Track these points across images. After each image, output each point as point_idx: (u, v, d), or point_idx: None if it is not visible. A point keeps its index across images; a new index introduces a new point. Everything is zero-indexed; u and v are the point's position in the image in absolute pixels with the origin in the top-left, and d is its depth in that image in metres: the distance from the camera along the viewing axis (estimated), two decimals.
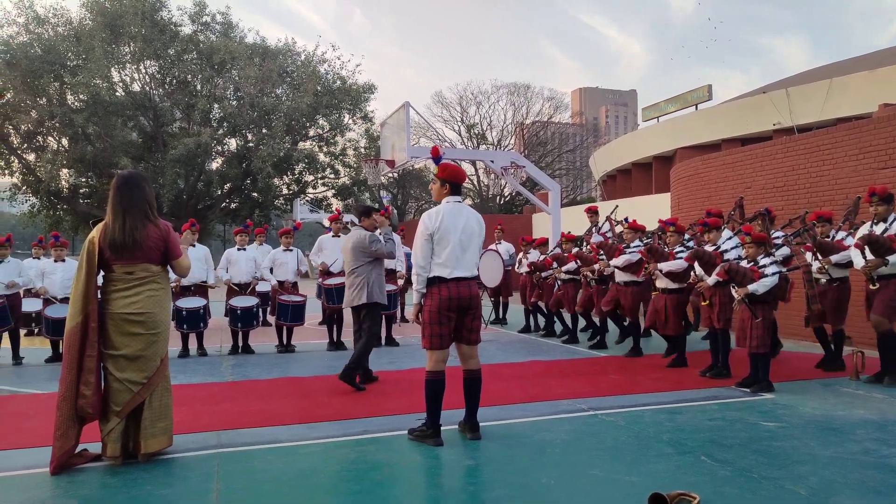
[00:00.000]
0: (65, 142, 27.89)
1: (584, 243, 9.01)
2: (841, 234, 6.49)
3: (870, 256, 5.75)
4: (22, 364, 7.53)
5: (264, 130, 28.84)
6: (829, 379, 6.19)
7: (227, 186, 30.21)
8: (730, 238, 6.41)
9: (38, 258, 8.36)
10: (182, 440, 4.12)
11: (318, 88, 29.01)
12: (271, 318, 9.10)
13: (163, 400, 3.84)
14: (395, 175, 34.79)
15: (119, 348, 3.74)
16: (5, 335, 7.52)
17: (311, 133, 31.60)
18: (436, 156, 4.26)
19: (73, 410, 3.67)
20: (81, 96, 26.63)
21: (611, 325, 8.51)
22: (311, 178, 32.06)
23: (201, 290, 8.01)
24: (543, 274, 9.38)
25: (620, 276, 7.70)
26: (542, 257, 9.63)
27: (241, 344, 8.14)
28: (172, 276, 7.69)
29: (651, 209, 15.65)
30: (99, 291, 3.85)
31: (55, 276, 7.79)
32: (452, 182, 4.22)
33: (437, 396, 4.12)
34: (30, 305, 7.93)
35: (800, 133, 12.52)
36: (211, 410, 5.08)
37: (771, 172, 9.92)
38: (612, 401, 5.32)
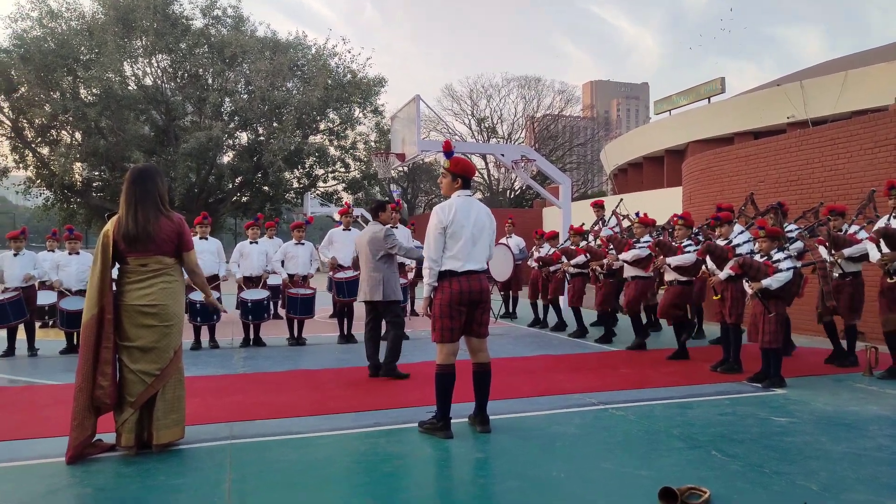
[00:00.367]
0: (78, 135, 28.11)
1: (594, 237, 8.97)
2: (854, 228, 6.42)
3: (885, 249, 5.69)
4: (37, 355, 7.62)
5: (275, 124, 28.91)
6: (842, 374, 6.15)
7: (238, 180, 30.33)
8: (742, 232, 6.37)
9: (53, 251, 8.44)
10: (195, 431, 4.17)
11: (329, 82, 29.02)
12: (283, 312, 9.15)
13: (176, 392, 3.88)
14: (406, 169, 34.74)
15: (133, 340, 3.79)
16: (21, 327, 7.62)
17: (322, 127, 31.65)
18: (448, 149, 4.26)
19: (89, 401, 3.72)
20: (94, 90, 26.82)
21: (625, 320, 8.48)
22: (322, 171, 32.13)
23: (213, 283, 8.06)
24: (552, 268, 9.37)
25: (629, 271, 7.68)
26: (550, 251, 9.61)
27: (252, 336, 8.19)
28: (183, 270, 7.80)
29: (662, 203, 15.55)
30: (114, 284, 3.90)
31: (70, 269, 7.87)
32: (464, 176, 4.23)
33: (447, 389, 4.14)
34: (45, 298, 8.02)
35: (814, 126, 12.38)
36: (223, 402, 5.13)
37: (784, 166, 9.83)
38: (622, 395, 5.32)
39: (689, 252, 6.68)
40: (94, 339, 3.73)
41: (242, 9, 32.18)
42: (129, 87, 27.76)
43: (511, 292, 11.36)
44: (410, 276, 9.75)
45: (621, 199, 10.27)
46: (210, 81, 29.03)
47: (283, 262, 8.45)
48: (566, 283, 8.98)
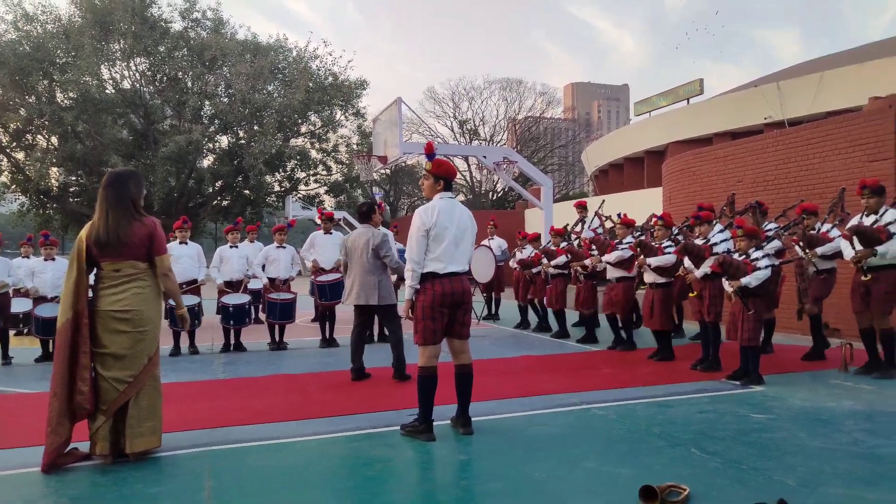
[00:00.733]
0: (54, 140, 27.70)
1: (574, 237, 9.01)
2: (827, 227, 6.54)
3: (858, 247, 5.78)
4: (12, 364, 7.48)
5: (256, 127, 28.73)
6: (819, 371, 6.24)
7: (218, 184, 30.11)
8: (721, 231, 6.44)
9: (28, 257, 8.29)
10: (173, 438, 4.11)
11: (310, 85, 28.92)
12: (263, 316, 9.06)
13: (150, 400, 3.81)
14: (388, 171, 34.72)
15: (106, 346, 3.72)
16: None
17: (303, 130, 31.54)
18: (430, 151, 4.26)
19: (63, 406, 3.65)
20: (71, 94, 26.47)
21: (603, 320, 8.53)
22: (304, 174, 32.01)
23: (194, 288, 7.98)
24: (534, 270, 9.40)
25: (612, 273, 7.72)
26: (532, 253, 9.64)
27: (233, 342, 8.11)
28: None
29: (643, 204, 15.67)
30: (91, 289, 3.84)
31: (45, 275, 7.74)
32: (446, 178, 4.23)
33: (429, 392, 4.13)
34: (19, 305, 7.86)
35: (790, 127, 12.57)
36: (202, 408, 5.07)
37: (762, 166, 9.97)
38: (603, 395, 5.34)
39: (669, 252, 6.73)
40: (69, 343, 3.66)
41: (222, 11, 31.99)
42: (107, 91, 27.45)
43: (493, 294, 11.38)
44: (394, 278, 9.72)
45: (603, 200, 10.34)
46: (190, 85, 28.79)
47: (263, 266, 8.37)
48: (547, 284, 9.01)
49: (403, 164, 32.96)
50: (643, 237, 7.50)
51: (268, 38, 32.88)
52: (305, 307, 9.72)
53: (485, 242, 10.96)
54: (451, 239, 4.09)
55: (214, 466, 3.69)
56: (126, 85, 28.84)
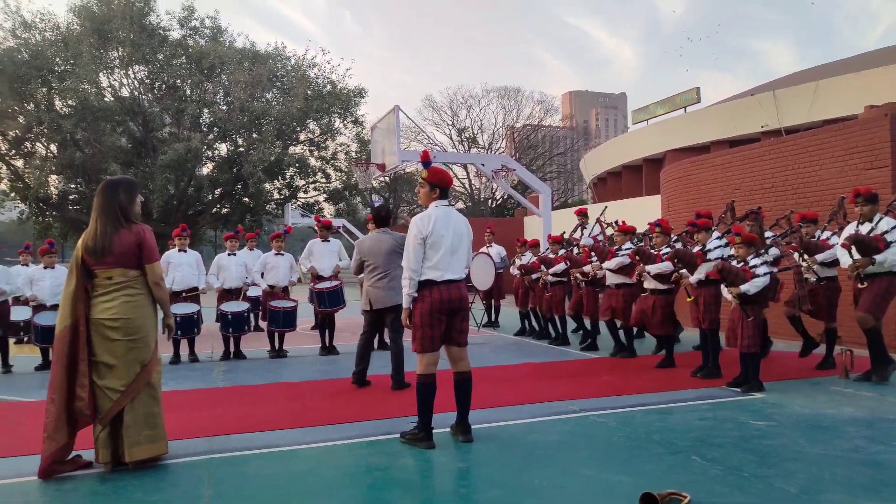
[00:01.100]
0: (53, 148, 27.72)
1: (573, 245, 9.03)
2: (826, 234, 6.57)
3: (857, 256, 5.81)
4: (12, 372, 7.47)
5: (255, 135, 28.78)
6: (819, 378, 6.24)
7: (217, 191, 30.12)
8: (718, 238, 6.46)
9: (27, 265, 8.28)
10: (173, 446, 4.09)
11: (309, 93, 29.00)
12: (263, 324, 9.06)
13: (147, 408, 3.78)
14: (387, 179, 34.79)
15: (99, 355, 3.72)
16: None
17: (302, 137, 31.59)
18: (426, 159, 4.27)
19: (61, 412, 3.65)
20: (70, 102, 26.51)
21: (603, 327, 8.53)
22: (303, 182, 32.05)
23: (193, 295, 7.97)
24: (533, 276, 9.41)
25: (612, 279, 7.73)
26: (532, 259, 9.65)
27: (232, 349, 8.10)
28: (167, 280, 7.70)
29: (642, 211, 15.71)
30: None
31: (44, 283, 7.72)
32: (441, 186, 4.24)
33: (428, 399, 4.13)
34: (19, 314, 7.85)
35: (787, 135, 12.63)
36: (202, 416, 5.06)
37: (759, 174, 10.00)
38: (603, 402, 5.34)
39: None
40: (68, 350, 3.67)
41: (221, 20, 32.09)
42: (106, 99, 27.49)
43: (493, 301, 11.38)
44: None
45: (605, 207, 10.36)
46: (188, 92, 28.86)
47: (262, 274, 8.38)
48: (546, 291, 9.02)
49: (402, 172, 32.99)
50: (642, 244, 7.53)
51: (266, 46, 33.04)
52: (305, 315, 9.71)
53: (483, 249, 10.97)
54: (448, 247, 4.11)
55: (214, 474, 3.68)
56: (125, 93, 28.91)
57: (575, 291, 8.66)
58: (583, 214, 9.65)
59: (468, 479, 3.62)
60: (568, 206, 34.15)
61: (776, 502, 3.03)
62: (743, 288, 5.62)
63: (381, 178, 29.46)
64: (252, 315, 8.93)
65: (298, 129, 30.60)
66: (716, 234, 6.74)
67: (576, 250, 8.80)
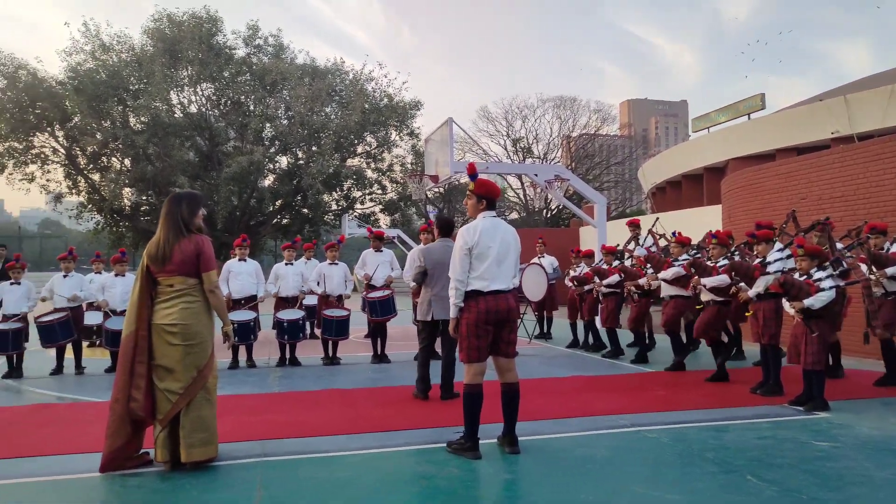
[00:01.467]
0: (127, 162, 29.26)
1: (627, 256, 8.87)
2: None
3: None
4: (84, 374, 7.90)
5: (314, 148, 29.57)
6: (891, 398, 5.90)
7: (278, 203, 31.02)
8: (779, 250, 6.21)
9: (99, 272, 8.77)
10: (229, 449, 4.25)
11: (366, 106, 29.59)
12: (318, 331, 9.26)
13: (201, 412, 3.94)
14: (441, 190, 35.05)
15: (159, 358, 3.92)
16: (69, 346, 7.91)
17: (360, 150, 32.23)
18: (472, 172, 4.31)
19: (123, 412, 3.87)
20: (143, 118, 27.94)
21: (663, 341, 8.33)
22: (359, 193, 32.63)
23: (251, 303, 8.25)
24: (586, 287, 9.28)
25: (667, 290, 7.56)
26: (584, 270, 9.53)
27: (288, 356, 8.32)
28: (223, 289, 8.01)
29: (702, 222, 15.28)
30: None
31: (115, 290, 8.14)
32: (488, 197, 4.27)
33: (475, 409, 4.14)
34: (91, 318, 8.33)
35: (859, 141, 12.05)
36: (257, 420, 5.22)
37: (828, 182, 9.57)
38: (655, 417, 5.21)
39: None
40: (131, 354, 3.88)
41: (283, 37, 33.18)
42: (176, 115, 28.85)
43: (545, 312, 11.27)
44: None
45: (657, 218, 10.14)
46: (252, 108, 29.94)
47: (318, 283, 8.59)
48: (599, 303, 8.88)
49: (457, 183, 33.20)
50: (699, 256, 7.33)
51: (325, 61, 33.94)
52: (359, 323, 9.88)
53: (535, 260, 10.89)
54: (494, 257, 4.12)
55: (266, 477, 3.80)
56: (193, 109, 30.25)
57: (631, 305, 8.50)
58: (635, 226, 9.47)
59: (512, 491, 3.61)
60: (626, 216, 33.50)
61: None
62: (807, 302, 5.39)
63: (436, 189, 29.70)
64: (307, 323, 9.15)
65: (356, 141, 31.23)
66: (777, 245, 6.49)
67: (629, 262, 8.64)
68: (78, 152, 29.05)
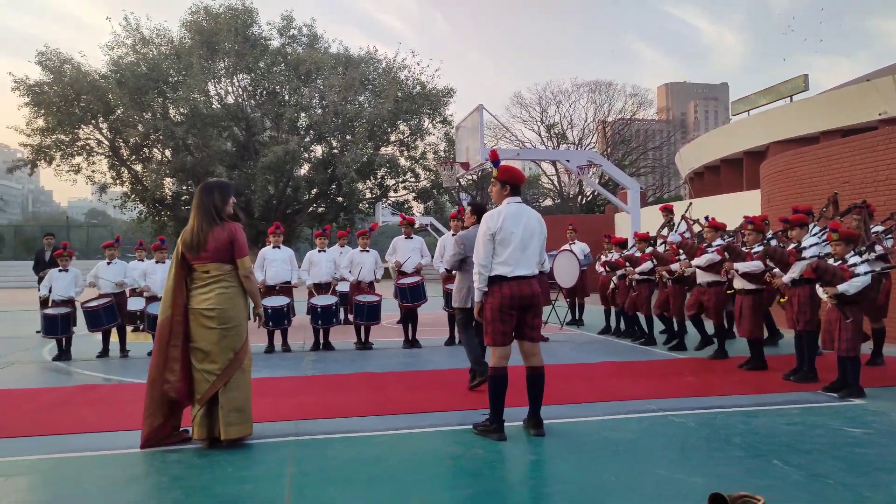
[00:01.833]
0: (168, 153, 30.04)
1: (661, 242, 8.77)
2: None
3: None
4: (128, 357, 8.23)
5: (348, 137, 29.84)
6: None
7: (313, 191, 31.45)
8: (814, 235, 6.08)
9: (142, 260, 9.10)
10: (263, 428, 4.41)
11: (399, 94, 29.69)
12: (351, 317, 9.43)
13: (239, 391, 4.10)
14: (474, 177, 34.99)
15: (197, 341, 4.08)
16: (113, 330, 8.25)
17: (393, 138, 32.39)
18: (494, 159, 4.35)
19: (158, 394, 4.06)
20: (182, 110, 28.61)
21: (691, 327, 8.24)
22: (393, 181, 32.83)
23: (286, 289, 8.46)
24: (618, 273, 9.22)
25: (703, 277, 7.47)
26: (616, 256, 9.46)
27: (322, 341, 8.51)
28: (259, 277, 8.22)
29: (740, 207, 14.95)
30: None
31: (156, 277, 8.44)
32: (512, 183, 4.30)
33: (500, 392, 4.20)
34: (134, 304, 8.66)
35: None
36: (291, 402, 5.39)
37: (871, 165, 9.26)
38: (683, 402, 5.19)
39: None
40: (166, 338, 4.06)
41: (316, 27, 33.40)
42: (213, 106, 29.45)
43: (577, 299, 11.23)
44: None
45: (690, 204, 9.99)
46: (287, 98, 30.34)
47: (350, 270, 8.74)
48: (631, 289, 8.81)
49: (489, 170, 33.14)
50: (733, 241, 7.21)
51: (358, 50, 34.12)
52: (391, 309, 10.02)
53: (566, 247, 10.85)
54: (518, 243, 4.15)
55: (297, 455, 3.94)
56: (230, 100, 30.82)
57: (661, 289, 8.42)
58: (668, 211, 9.34)
59: (536, 472, 3.67)
60: (663, 202, 32.93)
61: None
62: (841, 288, 5.27)
63: (469, 177, 29.68)
64: (341, 309, 9.32)
65: (389, 130, 31.39)
66: (815, 229, 6.35)
67: (662, 248, 8.55)
68: (121, 144, 29.93)
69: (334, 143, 30.86)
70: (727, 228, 7.91)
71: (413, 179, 33.10)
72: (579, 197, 40.94)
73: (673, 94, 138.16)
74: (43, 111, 28.23)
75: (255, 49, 29.43)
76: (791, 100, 26.89)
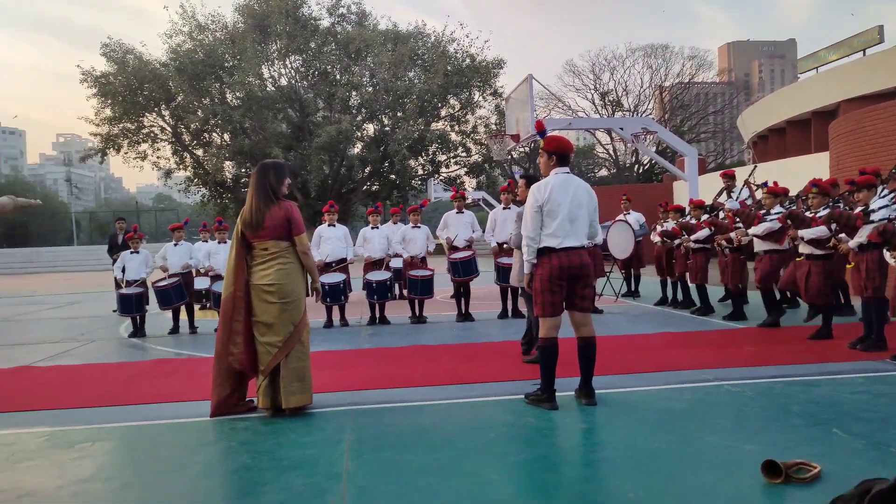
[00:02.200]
0: (226, 137, 31.00)
1: (717, 210, 8.51)
2: None
3: None
4: (197, 333, 8.67)
5: (399, 114, 29.99)
6: None
7: (367, 170, 31.88)
8: (883, 197, 5.78)
9: (206, 241, 9.50)
10: (323, 398, 4.62)
11: (448, 68, 29.54)
12: (406, 292, 9.61)
13: (299, 363, 4.29)
14: (527, 149, 34.57)
15: (259, 315, 4.29)
16: (182, 308, 8.70)
17: (443, 113, 32.34)
18: (540, 129, 4.33)
19: (224, 367, 4.30)
20: (238, 94, 29.38)
21: (753, 296, 8.01)
22: (444, 157, 32.88)
23: (342, 266, 8.69)
24: (675, 242, 9.02)
25: (760, 246, 7.24)
26: (673, 225, 9.25)
27: (378, 315, 8.73)
28: (315, 255, 8.48)
29: (807, 170, 14.28)
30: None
31: (219, 257, 8.80)
32: (558, 153, 4.28)
33: (550, 362, 4.25)
34: (201, 283, 9.08)
35: None
36: (349, 374, 5.59)
37: None
38: (741, 372, 5.11)
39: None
40: (230, 313, 4.29)
41: (364, 4, 33.60)
42: (268, 89, 30.10)
43: (633, 270, 11.07)
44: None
45: (755, 167, 9.62)
46: (338, 77, 30.68)
47: (402, 245, 8.88)
48: (688, 259, 8.62)
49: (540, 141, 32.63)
50: (794, 206, 6.94)
51: (407, 25, 34.03)
52: (445, 284, 10.15)
53: (621, 217, 10.67)
54: (566, 214, 4.14)
55: (355, 423, 4.12)
56: (283, 82, 31.43)
57: (720, 259, 8.20)
58: (729, 177, 9.05)
59: (587, 439, 3.71)
60: (726, 168, 31.74)
61: None
62: None
63: (521, 149, 29.35)
64: (395, 284, 9.50)
65: (439, 105, 31.35)
66: (885, 192, 6.04)
67: (721, 215, 8.30)
68: (182, 130, 31.06)
69: (386, 121, 31.07)
70: (789, 193, 7.61)
71: (464, 154, 33.04)
72: (636, 166, 39.90)
73: (735, 53, 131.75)
74: (109, 101, 29.53)
75: (306, 30, 29.81)
76: (864, 54, 25.25)
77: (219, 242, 8.95)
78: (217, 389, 4.31)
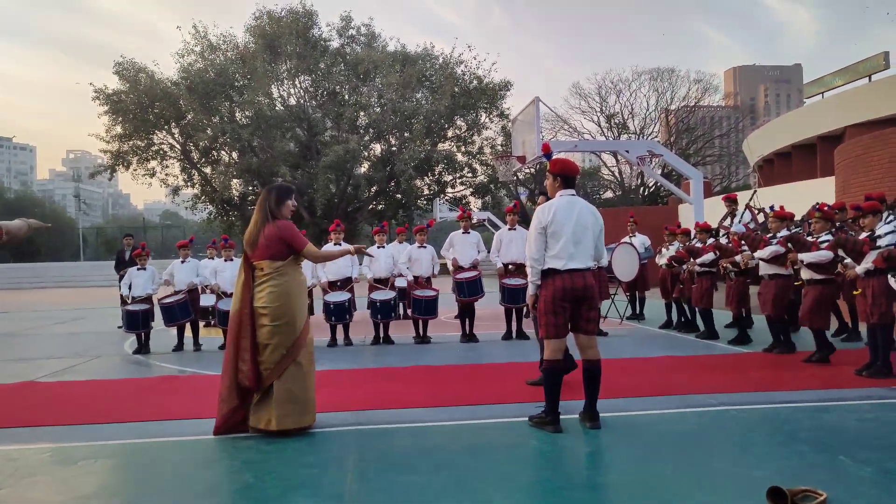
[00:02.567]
0: (234, 154, 31.29)
1: (724, 233, 8.52)
2: None
3: None
4: (201, 350, 8.67)
5: (406, 134, 30.24)
6: None
7: (373, 189, 32.06)
8: (889, 223, 5.79)
9: (212, 258, 9.55)
10: (327, 417, 4.61)
11: (456, 90, 29.83)
12: (410, 312, 9.61)
13: (294, 384, 4.26)
14: (532, 170, 34.74)
15: (258, 336, 4.31)
16: (187, 325, 8.72)
17: (450, 134, 32.59)
18: (546, 152, 4.38)
19: (231, 381, 4.31)
20: (247, 113, 29.72)
21: (757, 320, 7.98)
22: (450, 177, 33.06)
23: (347, 285, 8.70)
24: (683, 266, 9.01)
25: (765, 269, 7.23)
26: (679, 248, 9.25)
27: (382, 335, 8.72)
28: (321, 274, 8.51)
29: (813, 195, 14.29)
30: None
31: (225, 274, 8.85)
32: (563, 175, 4.31)
33: (555, 384, 4.23)
34: (206, 300, 9.10)
35: None
36: (352, 393, 5.58)
37: None
38: (747, 397, 5.07)
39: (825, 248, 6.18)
40: (236, 331, 4.31)
41: (374, 26, 33.99)
42: (277, 108, 30.43)
43: (637, 293, 11.05)
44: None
45: (754, 192, 9.65)
46: (346, 97, 31.01)
47: (407, 266, 8.90)
48: (692, 282, 8.61)
49: (546, 163, 32.78)
50: (799, 231, 6.95)
51: (416, 47, 34.41)
52: (449, 304, 10.15)
53: (626, 240, 10.68)
54: (569, 236, 4.16)
55: (359, 443, 4.11)
56: (292, 101, 31.80)
57: (726, 282, 8.19)
58: (731, 201, 9.07)
59: (591, 463, 3.69)
60: (731, 191, 31.73)
61: None
62: None
63: (526, 170, 29.49)
64: (400, 303, 9.50)
65: (446, 126, 31.61)
66: (890, 217, 6.04)
67: (724, 239, 8.31)
68: (191, 147, 31.39)
69: (392, 141, 31.33)
70: (794, 218, 7.62)
71: (470, 175, 33.23)
72: (641, 188, 39.98)
73: (741, 78, 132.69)
74: (120, 119, 29.91)
75: (316, 50, 30.22)
76: (870, 79, 25.38)
77: (225, 260, 9.00)
78: (222, 405, 4.32)
